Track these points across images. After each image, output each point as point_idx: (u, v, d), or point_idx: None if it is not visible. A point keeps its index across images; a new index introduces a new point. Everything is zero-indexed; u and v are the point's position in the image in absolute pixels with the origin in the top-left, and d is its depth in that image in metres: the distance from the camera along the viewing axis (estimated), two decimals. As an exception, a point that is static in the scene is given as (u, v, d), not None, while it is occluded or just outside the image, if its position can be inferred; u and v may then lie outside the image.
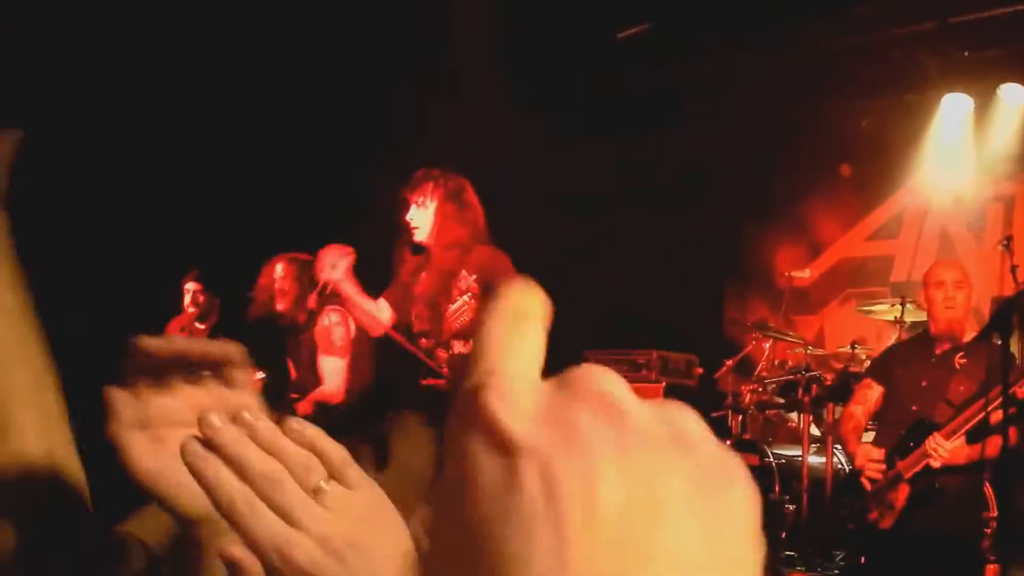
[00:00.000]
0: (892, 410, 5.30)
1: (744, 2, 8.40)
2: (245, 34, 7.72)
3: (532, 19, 8.15)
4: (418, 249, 4.76)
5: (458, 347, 4.64)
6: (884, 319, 7.69)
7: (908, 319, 7.18)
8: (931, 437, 4.89)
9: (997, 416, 4.66)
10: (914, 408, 5.13)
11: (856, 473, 5.20)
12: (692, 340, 9.19)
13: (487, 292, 4.58)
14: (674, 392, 8.46)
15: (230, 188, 8.32)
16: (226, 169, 8.26)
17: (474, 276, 4.65)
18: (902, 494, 4.99)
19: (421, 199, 4.66)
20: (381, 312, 4.79)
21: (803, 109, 9.11)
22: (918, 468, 4.96)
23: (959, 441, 4.86)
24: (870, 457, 5.15)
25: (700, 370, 8.75)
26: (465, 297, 4.64)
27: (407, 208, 4.72)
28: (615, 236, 10.50)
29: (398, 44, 8.18)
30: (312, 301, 5.45)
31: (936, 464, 4.89)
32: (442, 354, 4.65)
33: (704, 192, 10.52)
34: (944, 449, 4.85)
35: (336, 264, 4.84)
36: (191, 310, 7.24)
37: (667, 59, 9.45)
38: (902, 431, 5.10)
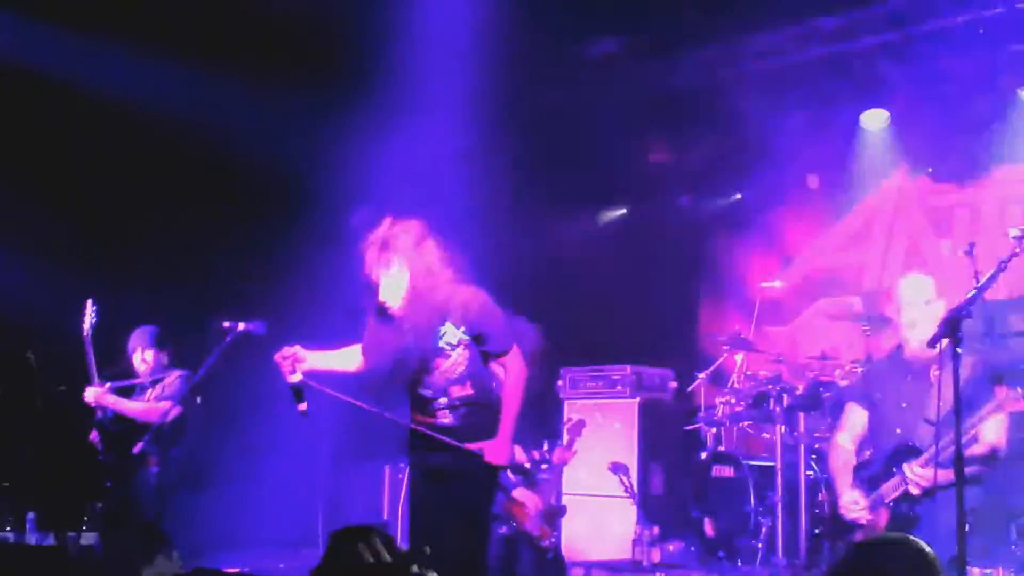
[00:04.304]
0: (878, 434, 5.30)
1: (712, 17, 8.50)
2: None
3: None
4: (386, 312, 4.71)
5: (456, 391, 4.68)
6: (855, 330, 7.76)
7: (878, 329, 7.26)
8: (908, 466, 4.90)
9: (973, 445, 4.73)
10: (897, 431, 5.12)
11: (840, 514, 5.17)
12: (667, 354, 9.25)
13: (479, 340, 4.60)
14: (649, 407, 8.51)
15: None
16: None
17: (462, 328, 4.66)
18: (883, 517, 5.01)
19: (386, 262, 4.63)
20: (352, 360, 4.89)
21: (769, 122, 9.19)
22: (898, 493, 4.97)
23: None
24: (856, 505, 5.10)
25: (675, 384, 8.80)
26: (459, 349, 4.66)
27: (373, 270, 4.69)
28: (588, 253, 10.57)
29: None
30: None
31: (914, 490, 4.88)
32: (443, 400, 4.72)
33: (675, 207, 10.62)
34: (921, 477, 4.84)
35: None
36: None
37: (635, 75, 9.55)
38: (887, 455, 5.09)
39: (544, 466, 7.08)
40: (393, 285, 4.66)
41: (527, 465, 6.96)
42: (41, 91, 7.86)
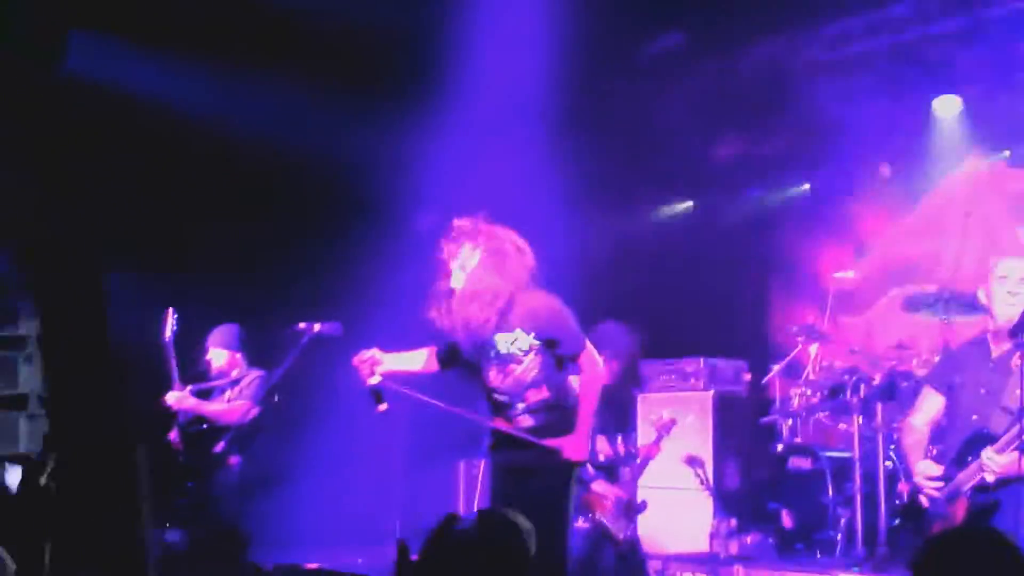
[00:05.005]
0: (954, 421, 5.19)
1: (778, 7, 8.45)
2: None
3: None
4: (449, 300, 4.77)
5: (532, 395, 4.78)
6: (932, 319, 7.65)
7: (956, 318, 7.17)
8: (984, 452, 4.80)
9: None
10: (974, 418, 5.02)
11: (914, 492, 5.13)
12: (740, 347, 9.20)
13: (551, 344, 4.66)
14: (723, 399, 8.47)
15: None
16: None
17: (532, 333, 4.74)
18: (960, 508, 4.92)
19: (457, 253, 4.74)
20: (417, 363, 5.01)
21: (839, 111, 9.09)
22: (975, 481, 4.86)
23: (1015, 453, 4.71)
24: (928, 475, 5.04)
25: (748, 376, 8.74)
26: (531, 355, 4.74)
27: (446, 265, 4.78)
28: (658, 247, 10.55)
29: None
30: None
31: (990, 478, 4.78)
32: (520, 405, 4.81)
33: (744, 199, 10.56)
34: (996, 463, 4.75)
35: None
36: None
37: (701, 67, 9.51)
38: (962, 443, 4.99)
39: (636, 460, 7.10)
40: (461, 270, 4.74)
41: (601, 457, 6.99)
42: (115, 103, 8.03)
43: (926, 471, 5.06)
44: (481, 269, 4.71)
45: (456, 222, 4.83)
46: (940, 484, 4.99)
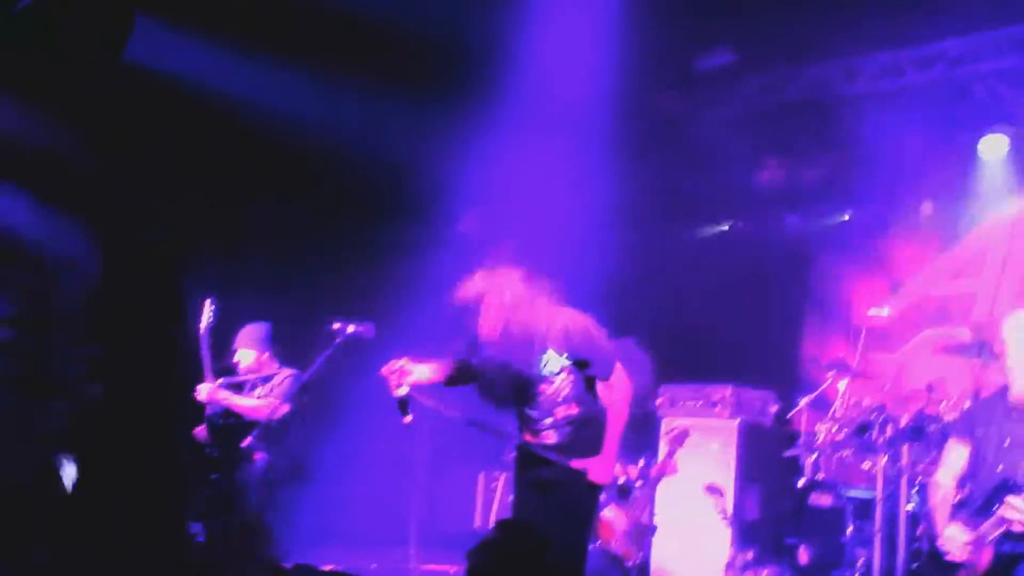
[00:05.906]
0: (978, 471, 5.15)
1: (831, 33, 8.45)
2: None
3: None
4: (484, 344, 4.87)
5: (562, 412, 4.81)
6: (964, 363, 7.59)
7: (989, 363, 7.09)
8: (1010, 498, 4.76)
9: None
10: (1000, 468, 4.98)
11: (939, 553, 5.09)
12: (769, 374, 9.14)
13: (582, 364, 4.69)
14: (749, 429, 8.42)
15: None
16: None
17: (565, 354, 4.78)
18: (985, 557, 4.86)
19: (481, 304, 4.78)
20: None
21: (883, 143, 9.06)
22: (1000, 531, 4.82)
23: None
24: (956, 541, 4.95)
25: (775, 407, 8.69)
26: (562, 375, 4.79)
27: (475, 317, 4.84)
28: (692, 269, 10.52)
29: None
30: None
31: (1019, 527, 4.72)
32: (548, 420, 4.84)
33: (782, 225, 10.50)
34: (1021, 510, 4.70)
35: None
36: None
37: (749, 88, 9.51)
38: (988, 492, 4.94)
39: (639, 482, 7.06)
40: (489, 321, 4.77)
41: (621, 480, 6.96)
42: (163, 91, 8.08)
43: (954, 538, 5.00)
44: (506, 313, 4.75)
45: (465, 282, 4.85)
46: (969, 549, 4.93)
